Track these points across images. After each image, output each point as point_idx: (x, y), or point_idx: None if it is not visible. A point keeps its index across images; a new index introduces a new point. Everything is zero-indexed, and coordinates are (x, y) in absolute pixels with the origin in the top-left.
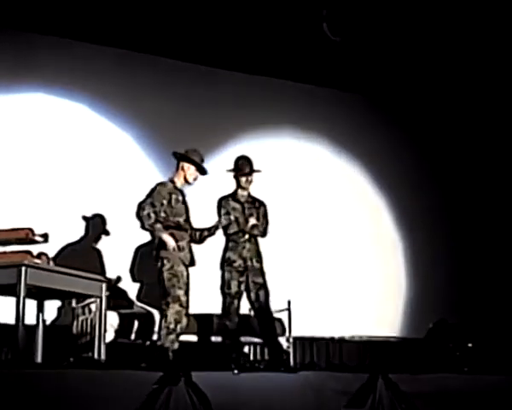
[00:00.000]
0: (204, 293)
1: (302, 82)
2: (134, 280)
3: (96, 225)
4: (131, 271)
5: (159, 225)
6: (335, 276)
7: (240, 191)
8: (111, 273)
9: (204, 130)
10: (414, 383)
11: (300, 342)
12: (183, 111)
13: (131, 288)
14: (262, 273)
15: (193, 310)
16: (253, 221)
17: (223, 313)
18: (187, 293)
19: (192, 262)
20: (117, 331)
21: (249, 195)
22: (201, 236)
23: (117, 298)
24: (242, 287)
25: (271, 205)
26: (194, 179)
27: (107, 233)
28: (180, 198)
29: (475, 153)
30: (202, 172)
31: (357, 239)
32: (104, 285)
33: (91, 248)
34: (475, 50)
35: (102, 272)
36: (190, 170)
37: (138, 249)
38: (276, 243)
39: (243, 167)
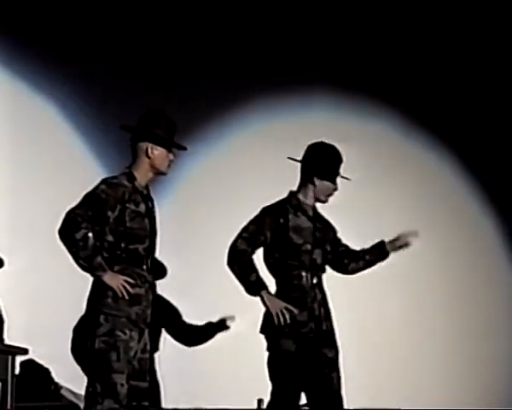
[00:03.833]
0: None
1: None
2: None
3: None
4: (73, 350)
5: (98, 260)
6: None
7: (302, 197)
8: (19, 338)
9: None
10: None
11: None
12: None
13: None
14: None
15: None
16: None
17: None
18: (138, 378)
19: (150, 323)
20: None
21: (315, 208)
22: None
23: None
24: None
25: None
26: (169, 165)
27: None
28: (142, 208)
29: None
30: (178, 147)
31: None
32: (11, 360)
33: None
34: None
35: None
36: (160, 152)
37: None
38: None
39: (336, 168)
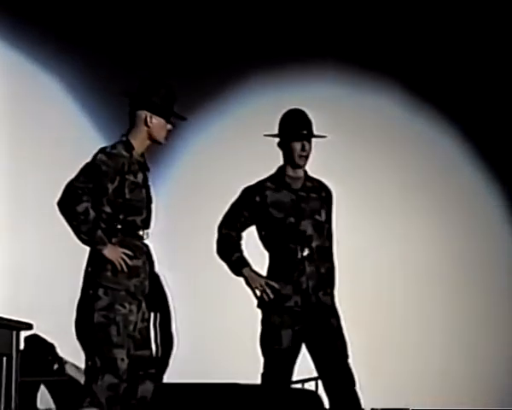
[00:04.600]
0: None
1: None
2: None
3: None
4: (77, 326)
5: (99, 234)
6: (401, 322)
7: (291, 172)
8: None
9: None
10: None
11: None
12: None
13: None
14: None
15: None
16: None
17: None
18: (141, 347)
19: (148, 294)
20: None
21: (307, 176)
22: None
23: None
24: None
25: None
26: (167, 135)
27: None
28: (140, 178)
29: None
30: (178, 117)
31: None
32: (15, 335)
33: None
34: None
35: None
36: (158, 121)
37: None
38: None
39: (298, 127)
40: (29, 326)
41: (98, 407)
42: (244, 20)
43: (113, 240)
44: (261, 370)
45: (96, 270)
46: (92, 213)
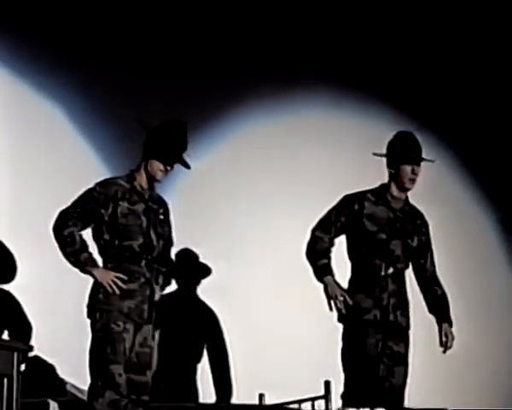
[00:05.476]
0: None
1: None
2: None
3: None
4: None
5: (86, 255)
6: None
7: (395, 192)
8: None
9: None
10: None
11: None
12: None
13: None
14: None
15: None
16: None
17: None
18: (136, 370)
19: (149, 319)
20: None
21: (407, 200)
22: None
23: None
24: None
25: None
26: (161, 175)
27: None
28: (139, 207)
29: None
30: (183, 162)
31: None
32: (16, 356)
33: None
34: None
35: (13, 331)
36: (156, 164)
37: None
38: None
39: (409, 150)
40: (29, 348)
41: None
42: (243, 40)
43: (109, 265)
44: (341, 389)
45: (92, 294)
46: (79, 237)
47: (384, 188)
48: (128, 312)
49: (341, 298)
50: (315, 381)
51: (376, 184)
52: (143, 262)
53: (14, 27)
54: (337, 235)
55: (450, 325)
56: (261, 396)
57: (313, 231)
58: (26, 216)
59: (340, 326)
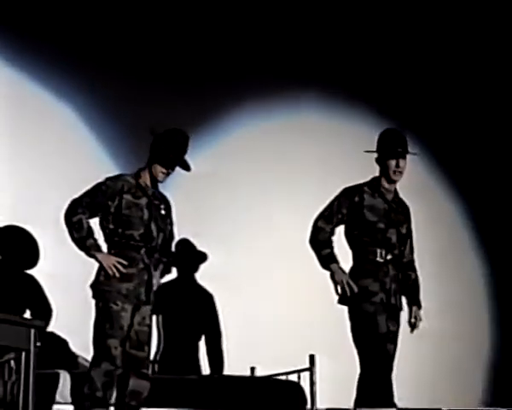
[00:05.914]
0: None
1: None
2: None
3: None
4: None
5: (91, 241)
6: None
7: (386, 184)
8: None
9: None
10: None
11: None
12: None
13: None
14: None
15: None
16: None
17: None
18: (136, 346)
19: (147, 301)
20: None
21: (396, 192)
22: None
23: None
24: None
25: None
26: (162, 177)
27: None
28: (142, 201)
29: None
30: (183, 164)
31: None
32: (33, 332)
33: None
34: None
35: (35, 311)
36: (158, 166)
37: None
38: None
39: (394, 145)
40: (45, 325)
41: (94, 391)
42: (241, 47)
43: (112, 251)
44: (358, 369)
45: (96, 277)
46: (86, 224)
47: (376, 181)
48: (126, 293)
49: (346, 284)
50: (301, 355)
51: (368, 178)
52: (143, 250)
53: (29, 33)
54: (337, 225)
55: (419, 307)
56: (253, 369)
57: (315, 222)
58: (44, 207)
59: (326, 307)
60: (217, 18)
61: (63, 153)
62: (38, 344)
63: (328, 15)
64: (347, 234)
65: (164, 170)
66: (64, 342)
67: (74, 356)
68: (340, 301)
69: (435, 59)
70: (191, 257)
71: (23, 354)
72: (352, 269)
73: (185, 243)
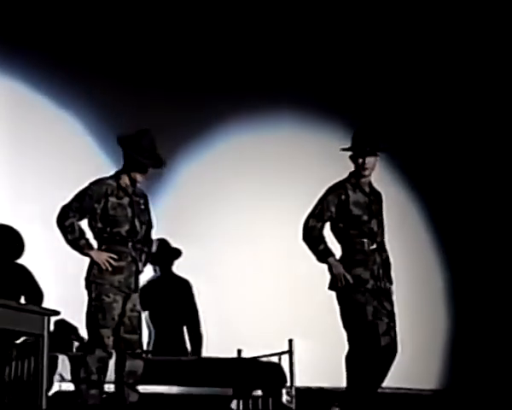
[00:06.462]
0: None
1: None
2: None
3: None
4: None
5: (83, 241)
6: None
7: (362, 179)
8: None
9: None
10: None
11: (306, 394)
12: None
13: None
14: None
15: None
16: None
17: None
18: (129, 331)
19: (136, 289)
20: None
21: (370, 183)
22: None
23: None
24: None
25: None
26: (140, 178)
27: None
28: (125, 201)
29: None
30: (155, 165)
31: None
32: (47, 319)
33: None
34: None
35: (28, 297)
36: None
37: None
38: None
39: (362, 144)
40: (57, 313)
41: (90, 375)
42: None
43: (103, 247)
44: (346, 347)
45: (89, 271)
46: (77, 227)
47: (354, 177)
48: (118, 285)
49: (342, 276)
50: (281, 339)
51: (345, 174)
52: (130, 244)
53: (30, 44)
54: (326, 221)
55: (391, 283)
56: (239, 351)
57: (306, 221)
58: (48, 205)
59: (306, 295)
60: (194, 35)
61: (63, 155)
62: (51, 330)
63: (300, 28)
64: (334, 229)
65: (141, 176)
66: (74, 329)
67: (83, 341)
68: (331, 288)
69: (404, 71)
70: (167, 253)
71: (40, 339)
72: (343, 260)
73: (163, 242)
